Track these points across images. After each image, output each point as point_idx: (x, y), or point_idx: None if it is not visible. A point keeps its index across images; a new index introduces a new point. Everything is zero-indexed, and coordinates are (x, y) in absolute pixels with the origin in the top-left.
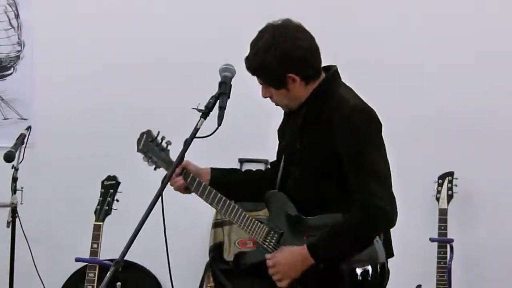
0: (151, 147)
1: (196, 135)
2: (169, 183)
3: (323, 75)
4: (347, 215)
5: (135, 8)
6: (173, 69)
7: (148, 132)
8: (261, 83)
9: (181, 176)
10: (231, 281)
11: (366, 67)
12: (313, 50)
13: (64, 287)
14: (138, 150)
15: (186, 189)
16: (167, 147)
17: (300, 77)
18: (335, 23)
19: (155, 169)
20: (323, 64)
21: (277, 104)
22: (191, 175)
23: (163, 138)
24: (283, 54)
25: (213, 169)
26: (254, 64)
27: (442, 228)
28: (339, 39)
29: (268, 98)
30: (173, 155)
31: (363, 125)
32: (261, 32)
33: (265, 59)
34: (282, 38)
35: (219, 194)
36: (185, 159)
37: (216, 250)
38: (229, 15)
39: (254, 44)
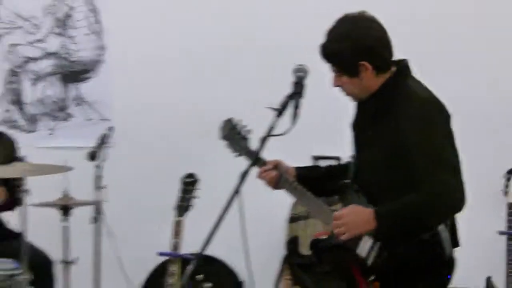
0: (232, 135)
1: (271, 133)
2: (260, 177)
3: (394, 68)
4: (414, 195)
5: (213, 10)
6: (249, 70)
7: (230, 120)
8: (334, 71)
9: (274, 170)
10: (307, 274)
11: (435, 61)
12: (385, 41)
13: (147, 280)
14: (221, 138)
15: (275, 184)
16: (247, 136)
17: (372, 66)
18: (405, 22)
19: (236, 156)
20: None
21: (347, 94)
22: (281, 173)
23: (244, 127)
24: (356, 42)
25: (297, 168)
26: (329, 51)
27: (511, 221)
28: (409, 35)
29: (338, 88)
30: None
31: (432, 115)
32: (337, 21)
33: (339, 46)
34: (356, 27)
35: (304, 189)
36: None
37: (292, 244)
38: (307, 16)
39: (329, 32)
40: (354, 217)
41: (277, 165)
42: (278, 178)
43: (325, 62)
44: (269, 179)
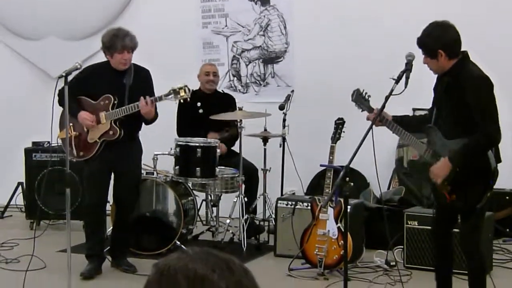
0: (359, 98)
1: (391, 93)
2: (369, 119)
3: (460, 56)
4: (472, 138)
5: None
6: (378, 56)
7: (358, 89)
8: (423, 54)
9: (378, 119)
10: (407, 179)
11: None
12: (456, 39)
13: (312, 181)
14: (352, 100)
15: (377, 123)
16: (368, 98)
17: (445, 53)
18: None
19: (361, 111)
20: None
21: (430, 69)
22: (385, 117)
23: (366, 93)
24: (436, 38)
25: (393, 116)
26: (420, 42)
27: None
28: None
29: (426, 65)
30: (374, 104)
31: (484, 87)
32: (429, 24)
33: (427, 39)
34: (438, 29)
35: (401, 128)
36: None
37: (399, 161)
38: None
39: (423, 31)
40: (439, 169)
41: (383, 114)
42: (383, 121)
43: (419, 48)
44: (375, 121)
